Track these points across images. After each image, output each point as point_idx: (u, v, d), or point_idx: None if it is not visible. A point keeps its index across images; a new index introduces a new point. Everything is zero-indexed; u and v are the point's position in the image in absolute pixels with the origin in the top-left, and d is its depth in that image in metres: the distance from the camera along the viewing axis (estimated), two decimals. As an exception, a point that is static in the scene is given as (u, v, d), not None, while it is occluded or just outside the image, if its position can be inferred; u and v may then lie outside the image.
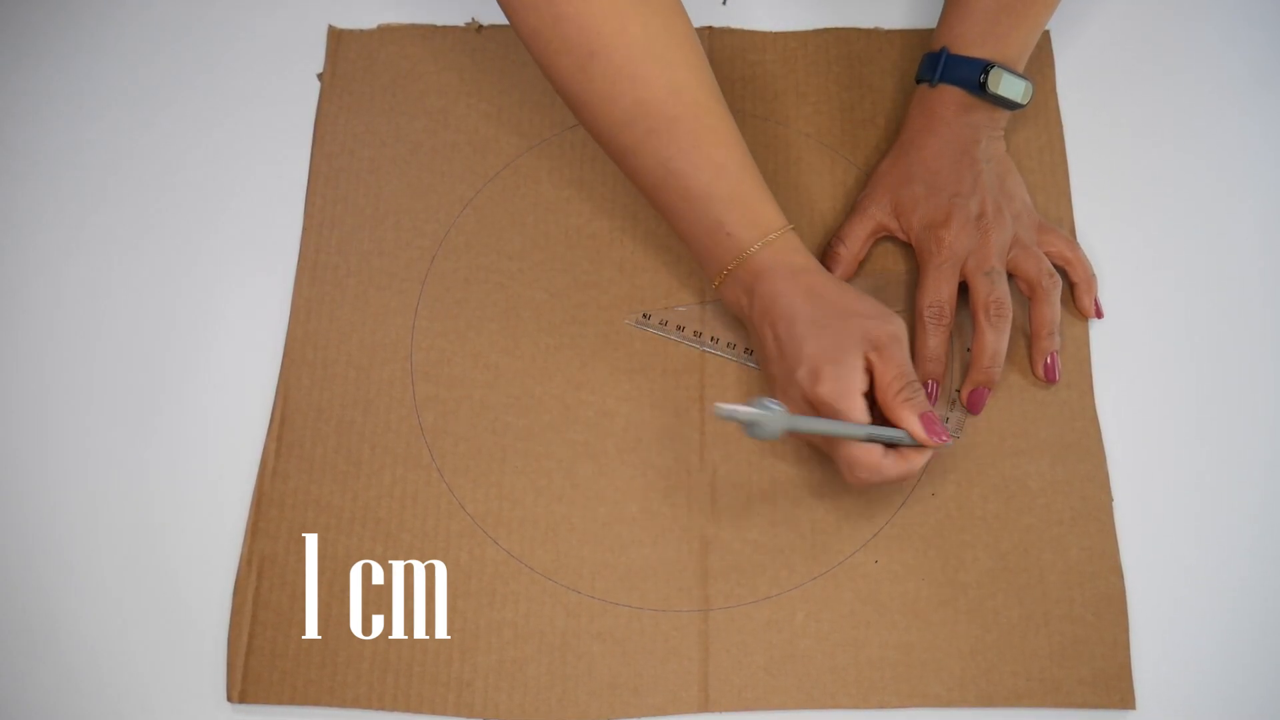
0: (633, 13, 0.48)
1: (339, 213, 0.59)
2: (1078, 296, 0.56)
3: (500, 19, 0.63)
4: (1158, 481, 0.53)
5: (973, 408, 0.54)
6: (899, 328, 0.49)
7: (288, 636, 0.51)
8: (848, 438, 0.47)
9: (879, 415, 0.48)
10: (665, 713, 0.49)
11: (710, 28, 0.63)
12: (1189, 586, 0.52)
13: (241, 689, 0.50)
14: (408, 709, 0.49)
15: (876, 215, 0.56)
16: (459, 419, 0.54)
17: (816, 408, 0.48)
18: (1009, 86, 0.54)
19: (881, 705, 0.49)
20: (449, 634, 0.51)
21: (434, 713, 0.49)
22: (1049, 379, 0.54)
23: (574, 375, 0.55)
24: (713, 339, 0.56)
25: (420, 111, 0.61)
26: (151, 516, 0.53)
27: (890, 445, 0.48)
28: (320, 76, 0.62)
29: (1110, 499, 0.53)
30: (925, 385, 0.53)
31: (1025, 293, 0.55)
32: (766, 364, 0.51)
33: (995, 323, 0.52)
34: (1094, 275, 0.56)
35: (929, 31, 0.62)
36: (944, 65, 0.55)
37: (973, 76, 0.54)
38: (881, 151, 0.60)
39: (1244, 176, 0.60)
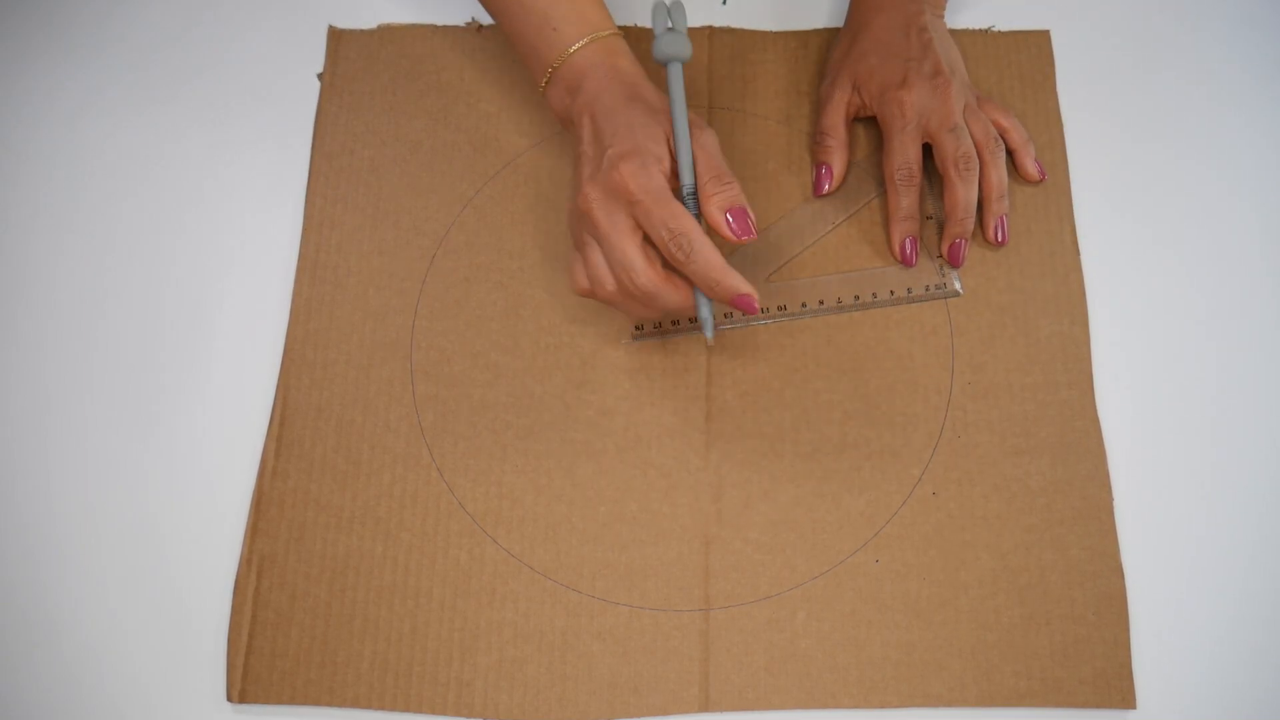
0: None
1: (339, 213, 0.59)
2: (1019, 161, 0.58)
3: (500, 19, 0.63)
4: (1158, 481, 0.53)
5: (954, 260, 0.56)
6: (711, 135, 0.50)
7: (288, 636, 0.50)
8: (680, 139, 0.48)
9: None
10: (665, 712, 0.49)
11: (710, 27, 0.63)
12: (1189, 586, 0.51)
13: (241, 689, 0.50)
14: (407, 709, 0.49)
15: (843, 96, 0.58)
16: (459, 418, 0.54)
17: (618, 186, 0.46)
18: None
19: (882, 705, 0.49)
20: (449, 634, 0.50)
21: (434, 712, 0.49)
22: (1000, 241, 0.57)
23: (574, 375, 0.55)
24: (725, 315, 0.56)
25: (420, 111, 0.61)
26: (151, 516, 0.53)
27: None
28: (320, 76, 0.62)
29: (1111, 499, 0.53)
30: (903, 244, 0.56)
31: (940, 170, 0.56)
32: (579, 161, 0.50)
33: (965, 176, 0.55)
34: (1029, 139, 0.59)
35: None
36: None
37: None
38: (880, 148, 0.60)
39: (1244, 176, 0.60)
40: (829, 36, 0.63)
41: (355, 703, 0.49)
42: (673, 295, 0.47)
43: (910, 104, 0.55)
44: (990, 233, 0.57)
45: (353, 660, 0.50)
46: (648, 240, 0.47)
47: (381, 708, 0.49)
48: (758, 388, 0.55)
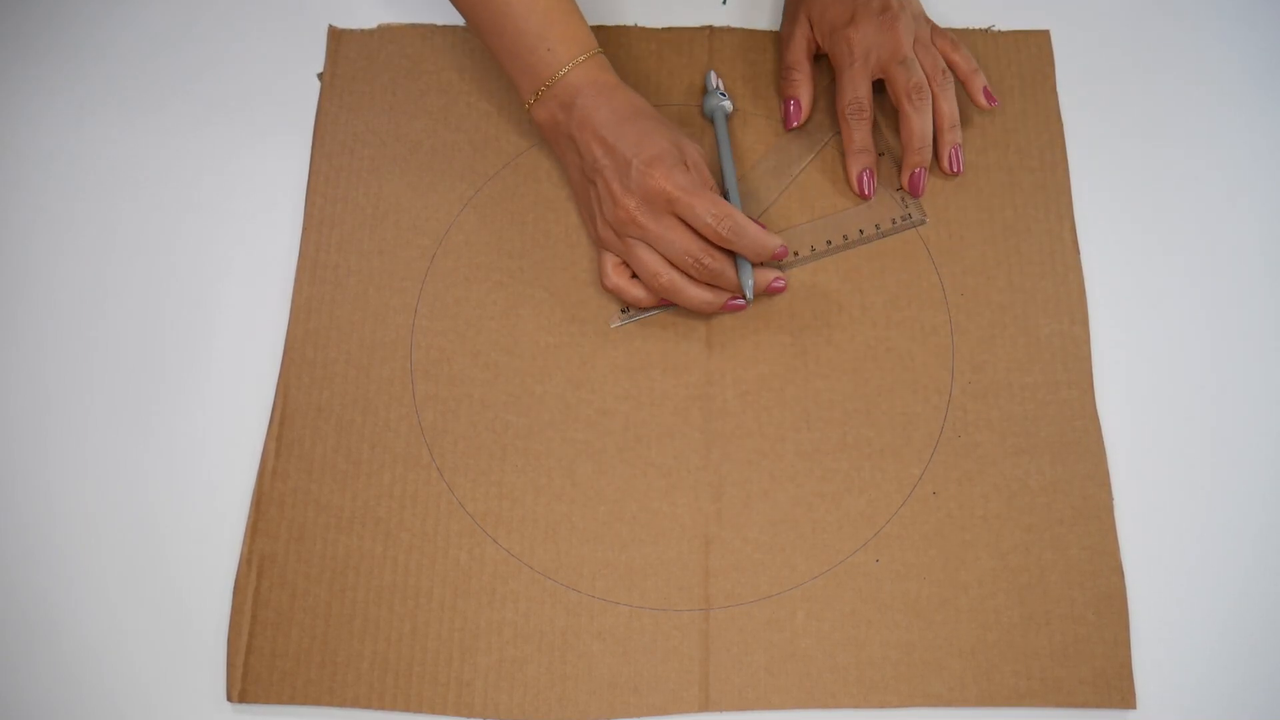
0: None
1: (339, 212, 0.59)
2: (969, 90, 0.59)
3: (500, 19, 0.63)
4: (1158, 481, 0.53)
5: (914, 190, 0.58)
6: (699, 153, 0.53)
7: (288, 636, 0.50)
8: (727, 164, 0.56)
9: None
10: (665, 712, 0.49)
11: (710, 27, 0.63)
12: (1189, 586, 0.51)
13: (241, 689, 0.50)
14: (407, 708, 0.49)
15: (802, 33, 0.60)
16: (459, 418, 0.54)
17: (662, 188, 0.50)
18: None
19: (882, 705, 0.49)
20: (449, 634, 0.50)
21: (434, 712, 0.49)
22: (955, 170, 0.59)
23: (574, 374, 0.55)
24: None
25: (420, 111, 0.61)
26: (151, 516, 0.53)
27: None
28: (320, 76, 0.62)
29: (1110, 498, 0.53)
30: (860, 176, 0.58)
31: (895, 101, 0.58)
32: (587, 174, 0.54)
33: (919, 106, 0.57)
34: (978, 69, 0.59)
35: (929, 31, 0.63)
36: None
37: None
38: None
39: (1244, 176, 0.60)
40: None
41: (355, 703, 0.49)
42: (730, 269, 0.52)
43: (857, 41, 0.57)
44: (945, 162, 0.58)
45: (353, 660, 0.50)
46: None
47: (381, 708, 0.49)
48: (758, 388, 0.55)
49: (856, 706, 0.49)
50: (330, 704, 0.49)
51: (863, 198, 0.58)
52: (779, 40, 0.62)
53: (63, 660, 0.51)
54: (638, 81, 0.61)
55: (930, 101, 0.57)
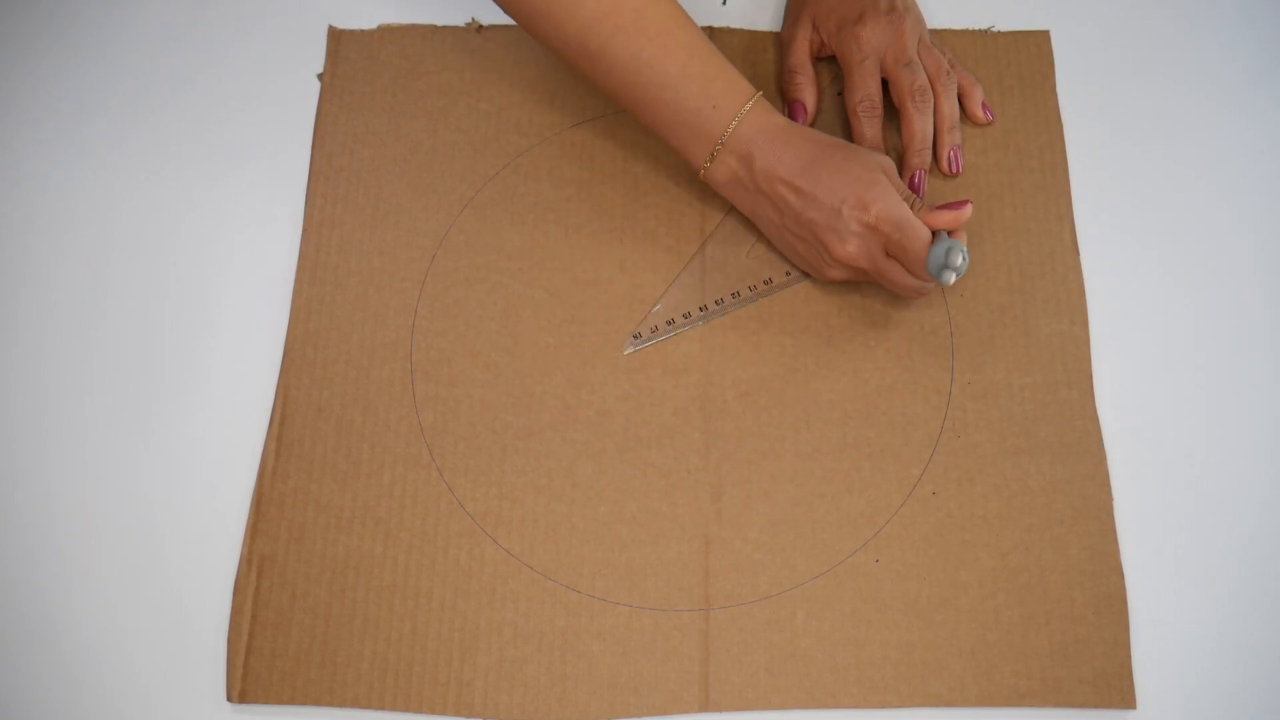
0: None
1: (339, 213, 0.59)
2: (968, 103, 0.60)
3: (500, 19, 0.63)
4: (1158, 481, 0.53)
5: (915, 192, 0.57)
6: (889, 160, 0.53)
7: (288, 636, 0.50)
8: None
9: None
10: (665, 712, 0.49)
11: (710, 27, 0.63)
12: (1189, 586, 0.51)
13: (241, 689, 0.50)
14: (407, 709, 0.49)
15: (805, 35, 0.60)
16: (459, 418, 0.54)
17: (876, 228, 0.50)
18: None
19: (882, 705, 0.49)
20: (449, 634, 0.51)
21: (434, 712, 0.49)
22: (954, 171, 0.59)
23: (574, 374, 0.55)
24: (716, 302, 0.56)
25: (420, 111, 0.61)
26: (151, 516, 0.53)
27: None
28: (320, 76, 0.62)
29: (1110, 499, 0.53)
30: None
31: (897, 104, 0.58)
32: (788, 222, 0.53)
33: (921, 108, 0.57)
34: (977, 81, 0.60)
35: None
36: None
37: None
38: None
39: (1243, 176, 0.60)
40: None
41: (355, 703, 0.49)
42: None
43: (867, 39, 0.57)
44: (944, 163, 0.59)
45: (353, 660, 0.50)
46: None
47: (381, 708, 0.49)
48: (758, 388, 0.55)
49: (856, 706, 0.49)
50: (330, 704, 0.49)
51: None
52: (781, 42, 0.62)
53: (63, 660, 0.51)
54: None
55: (932, 104, 0.58)
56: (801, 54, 0.60)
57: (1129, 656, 0.50)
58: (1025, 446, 0.53)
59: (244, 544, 0.52)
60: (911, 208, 0.51)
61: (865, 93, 0.58)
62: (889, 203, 0.50)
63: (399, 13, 0.64)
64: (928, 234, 0.50)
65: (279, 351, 0.56)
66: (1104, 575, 0.51)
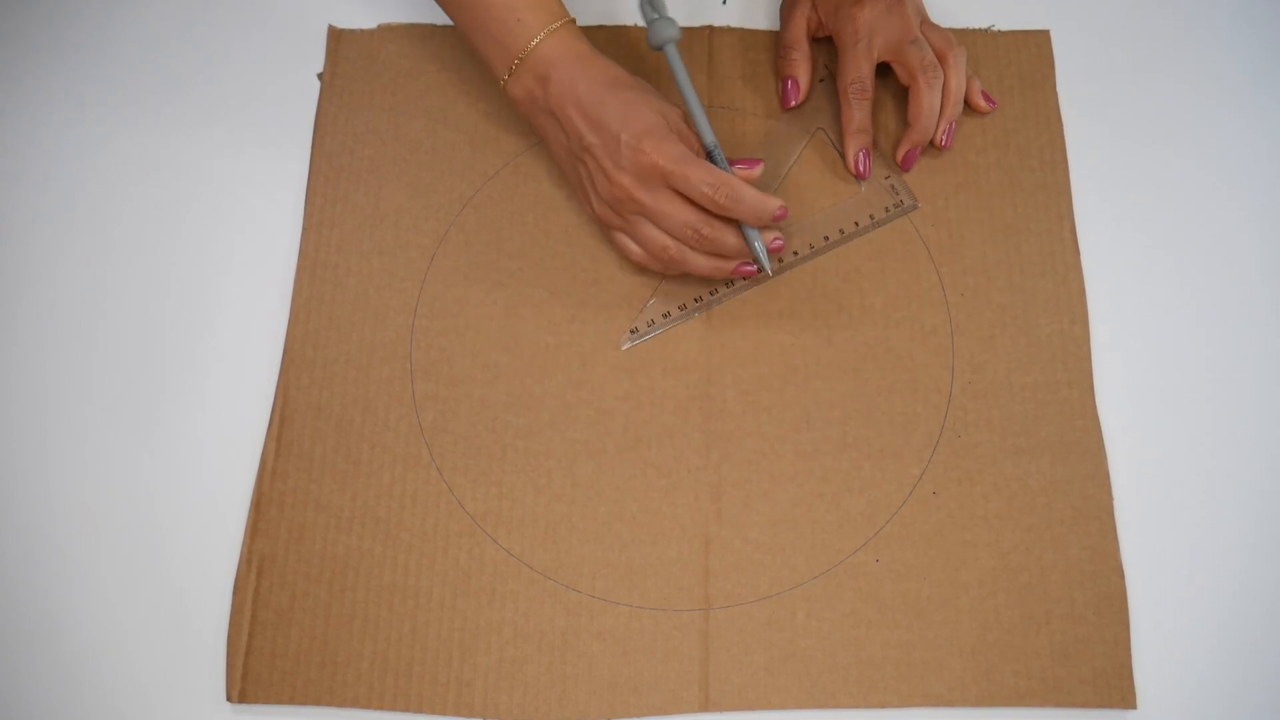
0: None
1: (339, 212, 0.59)
2: (968, 95, 0.59)
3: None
4: (1158, 481, 0.53)
5: (906, 165, 0.58)
6: (680, 118, 0.53)
7: (287, 636, 0.50)
8: (694, 108, 0.53)
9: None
10: (665, 712, 0.49)
11: (710, 27, 0.63)
12: (1189, 586, 0.51)
13: (241, 689, 0.50)
14: (407, 708, 0.49)
15: (803, 12, 0.60)
16: (458, 418, 0.54)
17: (655, 164, 0.50)
18: None
19: (882, 705, 0.49)
20: (449, 634, 0.50)
21: (434, 712, 0.49)
22: (945, 144, 0.59)
23: (574, 374, 0.55)
24: (711, 293, 0.57)
25: (420, 111, 0.61)
26: (151, 516, 0.53)
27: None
28: (320, 76, 0.62)
29: (1111, 498, 0.52)
30: (858, 156, 0.58)
31: (906, 82, 0.58)
32: (574, 151, 0.53)
33: (932, 83, 0.57)
34: (972, 73, 0.60)
35: (929, 31, 0.63)
36: None
37: None
38: (880, 148, 0.60)
39: (1244, 176, 0.60)
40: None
41: (355, 703, 0.49)
42: (731, 235, 0.52)
43: (863, 20, 0.57)
44: (940, 135, 0.59)
45: (353, 660, 0.50)
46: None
47: (381, 708, 0.49)
48: (757, 388, 0.55)
49: (856, 706, 0.49)
50: (330, 704, 0.49)
51: (859, 178, 0.59)
52: (781, 12, 0.62)
53: (63, 660, 0.51)
54: (638, 81, 0.61)
55: (941, 79, 0.57)
56: (798, 30, 0.60)
57: (1129, 656, 0.50)
58: (1026, 446, 0.53)
59: (244, 544, 0.52)
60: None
61: (857, 74, 0.58)
62: (668, 141, 0.50)
63: (399, 13, 0.64)
64: (713, 171, 0.50)
65: (279, 351, 0.56)
66: (1104, 575, 0.51)
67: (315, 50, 0.63)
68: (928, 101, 0.57)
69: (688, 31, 0.63)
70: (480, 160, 0.60)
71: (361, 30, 0.63)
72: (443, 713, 0.49)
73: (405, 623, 0.51)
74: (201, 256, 0.59)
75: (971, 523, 0.52)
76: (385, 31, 0.63)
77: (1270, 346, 0.56)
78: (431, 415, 0.54)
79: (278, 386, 0.55)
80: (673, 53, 0.55)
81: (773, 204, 0.51)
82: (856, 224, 0.58)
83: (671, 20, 0.55)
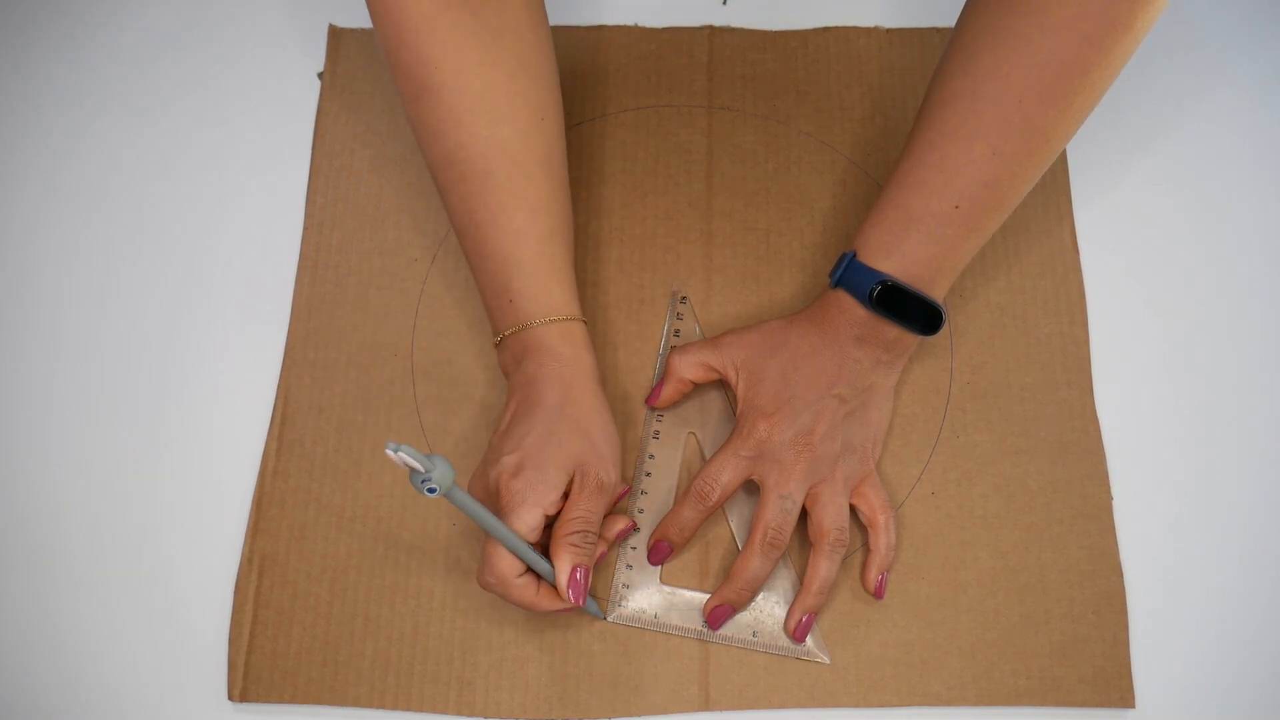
0: (475, 60, 0.47)
1: (339, 212, 0.59)
2: (866, 565, 0.50)
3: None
4: (1158, 481, 0.53)
5: (799, 637, 0.49)
6: (613, 479, 0.47)
7: (289, 636, 0.51)
8: (497, 538, 0.44)
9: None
10: (666, 711, 0.49)
11: (710, 27, 0.63)
12: (1189, 586, 0.52)
13: (242, 688, 0.50)
14: (408, 708, 0.49)
15: (721, 360, 0.51)
16: (459, 418, 0.54)
17: (499, 498, 0.45)
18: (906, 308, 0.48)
19: (882, 704, 0.49)
20: (450, 633, 0.51)
21: (435, 711, 0.49)
22: (799, 639, 0.49)
23: (574, 375, 0.55)
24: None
25: (420, 111, 0.61)
26: (152, 515, 0.53)
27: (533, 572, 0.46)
28: (320, 76, 0.62)
29: (1110, 498, 0.53)
30: (659, 546, 0.50)
31: (811, 539, 0.49)
32: (495, 433, 0.48)
33: (766, 550, 0.48)
34: (893, 548, 0.50)
35: (929, 30, 0.63)
36: (845, 269, 0.49)
37: (866, 287, 0.48)
38: (880, 149, 0.60)
39: (1244, 177, 0.60)
40: (829, 36, 0.63)
41: (357, 702, 0.50)
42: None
43: (759, 435, 0.49)
44: (790, 626, 0.50)
45: (354, 660, 0.50)
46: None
47: (383, 707, 0.50)
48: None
49: (856, 706, 0.49)
50: (331, 703, 0.50)
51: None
52: (717, 337, 0.52)
53: (65, 659, 0.51)
54: (638, 81, 0.61)
55: (780, 550, 0.49)
56: (700, 359, 0.51)
57: (1128, 656, 0.50)
58: (1025, 446, 0.54)
59: (245, 543, 0.52)
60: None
61: (716, 476, 0.49)
62: (530, 493, 0.45)
63: (399, 12, 0.64)
64: (507, 541, 0.44)
65: (279, 351, 0.56)
66: (1103, 575, 0.51)
67: (315, 50, 0.63)
68: (753, 567, 0.48)
69: (688, 32, 0.63)
70: (480, 160, 0.60)
71: (362, 30, 0.63)
72: (444, 712, 0.49)
73: (406, 622, 0.51)
74: (202, 256, 0.59)
75: (970, 523, 0.52)
76: (385, 31, 0.63)
77: (1269, 346, 0.56)
78: (433, 416, 0.54)
79: (278, 386, 0.55)
80: (459, 495, 0.42)
81: (553, 604, 0.46)
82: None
83: (444, 459, 0.41)
